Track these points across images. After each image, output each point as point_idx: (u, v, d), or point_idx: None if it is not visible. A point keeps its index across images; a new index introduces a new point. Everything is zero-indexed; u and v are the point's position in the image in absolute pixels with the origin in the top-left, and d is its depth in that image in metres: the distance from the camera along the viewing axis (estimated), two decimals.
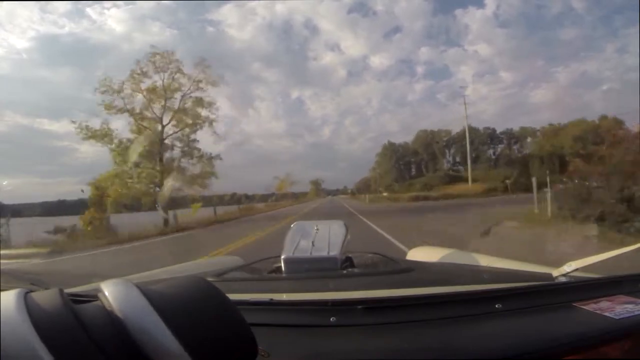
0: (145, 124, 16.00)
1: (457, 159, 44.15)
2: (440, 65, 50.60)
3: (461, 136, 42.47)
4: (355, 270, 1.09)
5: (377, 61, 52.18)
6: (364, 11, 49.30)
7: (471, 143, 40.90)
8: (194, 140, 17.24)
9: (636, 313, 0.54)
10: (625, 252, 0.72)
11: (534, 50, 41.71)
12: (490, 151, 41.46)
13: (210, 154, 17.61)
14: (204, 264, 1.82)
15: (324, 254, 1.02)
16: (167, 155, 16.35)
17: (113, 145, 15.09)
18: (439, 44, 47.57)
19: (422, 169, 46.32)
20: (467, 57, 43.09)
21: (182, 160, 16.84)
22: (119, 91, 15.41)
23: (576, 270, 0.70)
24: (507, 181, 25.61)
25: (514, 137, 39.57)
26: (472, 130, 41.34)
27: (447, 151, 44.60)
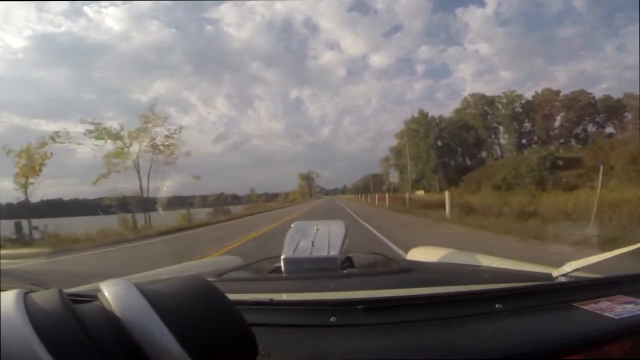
0: None
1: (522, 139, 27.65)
2: (440, 64, 50.35)
3: (544, 101, 26.36)
4: (355, 270, 1.09)
5: (377, 60, 51.92)
6: (364, 9, 49.32)
7: (581, 113, 25.91)
8: None
9: (636, 313, 0.54)
10: (625, 252, 0.72)
11: (533, 49, 40.69)
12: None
13: None
14: (204, 264, 1.82)
15: (323, 254, 1.02)
16: None
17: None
18: (439, 43, 47.32)
19: (464, 153, 28.94)
20: (467, 56, 42.40)
21: None
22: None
23: (576, 270, 0.70)
24: None
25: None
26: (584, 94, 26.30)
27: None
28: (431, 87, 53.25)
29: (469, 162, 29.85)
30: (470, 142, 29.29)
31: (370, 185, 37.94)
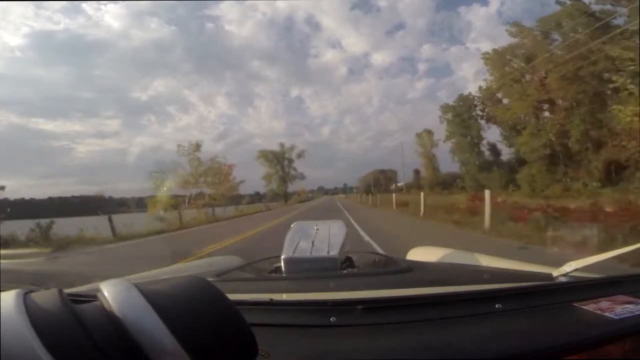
0: None
1: None
2: (442, 63, 49.92)
3: None
4: (355, 270, 1.10)
5: (379, 59, 51.15)
6: (366, 8, 48.77)
7: None
8: None
9: (636, 313, 0.53)
10: (625, 252, 0.72)
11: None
12: None
13: None
14: (204, 264, 1.82)
15: (323, 254, 1.02)
16: None
17: None
18: (442, 42, 46.94)
19: None
20: (470, 55, 40.81)
21: None
22: None
23: (576, 270, 0.70)
24: None
25: None
26: None
27: None
28: (433, 85, 52.51)
29: None
30: None
31: (383, 183, 31.88)
